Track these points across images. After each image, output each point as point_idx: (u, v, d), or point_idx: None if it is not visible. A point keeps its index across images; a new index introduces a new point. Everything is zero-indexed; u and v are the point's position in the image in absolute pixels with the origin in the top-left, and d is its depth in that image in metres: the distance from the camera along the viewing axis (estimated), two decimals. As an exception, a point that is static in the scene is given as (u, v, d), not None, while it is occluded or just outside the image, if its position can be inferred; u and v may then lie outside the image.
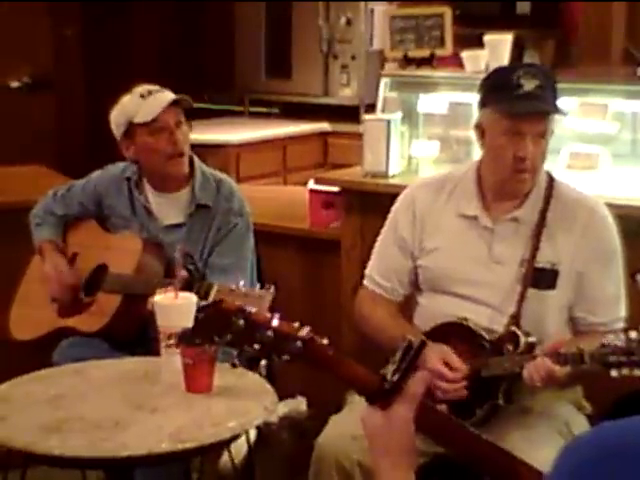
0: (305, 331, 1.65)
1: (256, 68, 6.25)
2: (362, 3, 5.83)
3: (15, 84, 5.66)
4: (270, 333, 1.64)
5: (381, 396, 1.61)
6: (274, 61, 6.21)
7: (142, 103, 3.20)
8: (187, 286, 2.87)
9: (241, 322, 1.66)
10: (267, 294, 2.76)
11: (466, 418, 2.60)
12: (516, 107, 2.63)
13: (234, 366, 1.75)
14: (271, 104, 6.36)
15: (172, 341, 2.61)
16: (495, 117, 2.68)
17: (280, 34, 6.13)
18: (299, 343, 1.64)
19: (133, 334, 3.18)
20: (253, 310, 1.68)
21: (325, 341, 1.67)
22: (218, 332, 1.68)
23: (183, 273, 2.89)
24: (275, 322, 1.66)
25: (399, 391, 1.60)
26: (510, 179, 2.71)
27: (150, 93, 3.22)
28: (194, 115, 3.40)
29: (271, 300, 2.76)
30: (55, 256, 3.36)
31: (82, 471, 2.98)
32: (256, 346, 1.65)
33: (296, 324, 1.67)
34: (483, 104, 2.74)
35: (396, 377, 1.60)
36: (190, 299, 2.70)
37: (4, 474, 2.54)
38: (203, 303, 1.78)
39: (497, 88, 2.69)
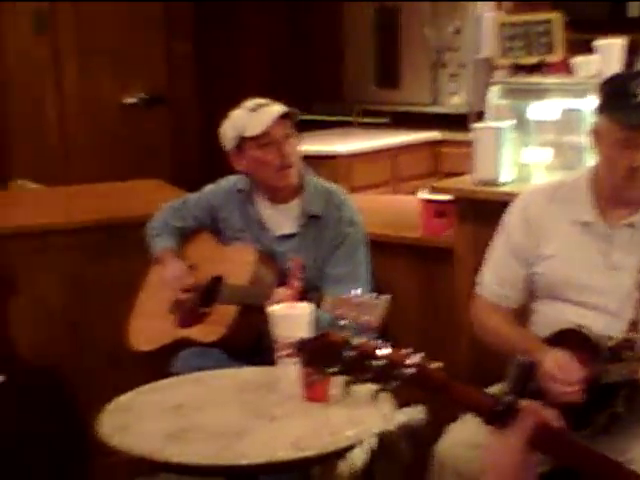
0: (416, 357, 1.66)
1: (365, 78, 6.27)
2: (470, 10, 5.80)
3: (131, 100, 5.79)
4: (380, 362, 1.66)
5: (496, 418, 1.61)
6: (383, 71, 6.22)
7: (251, 117, 3.25)
8: (300, 296, 2.90)
9: (349, 353, 1.67)
10: (381, 302, 2.77)
11: (585, 426, 2.58)
12: (630, 118, 2.59)
13: (347, 392, 1.77)
14: (381, 114, 6.37)
15: (289, 351, 2.64)
16: (609, 126, 2.64)
17: (389, 44, 6.15)
18: (410, 370, 1.64)
19: (250, 344, 3.22)
20: (360, 341, 1.69)
21: (437, 365, 1.68)
22: (328, 364, 1.70)
23: (297, 284, 2.92)
24: (384, 351, 1.67)
25: (513, 414, 1.60)
26: (624, 187, 2.68)
27: (259, 107, 3.27)
28: (304, 127, 3.43)
29: (385, 308, 2.77)
30: (175, 261, 3.43)
31: (204, 479, 3.03)
32: (367, 375, 1.67)
33: (407, 350, 1.68)
34: (600, 110, 2.71)
35: (509, 399, 1.61)
36: (306, 309, 2.73)
37: (131, 481, 2.61)
38: (309, 337, 1.80)
39: (613, 96, 2.65)
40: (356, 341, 1.69)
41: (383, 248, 3.63)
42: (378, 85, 6.25)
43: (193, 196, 3.56)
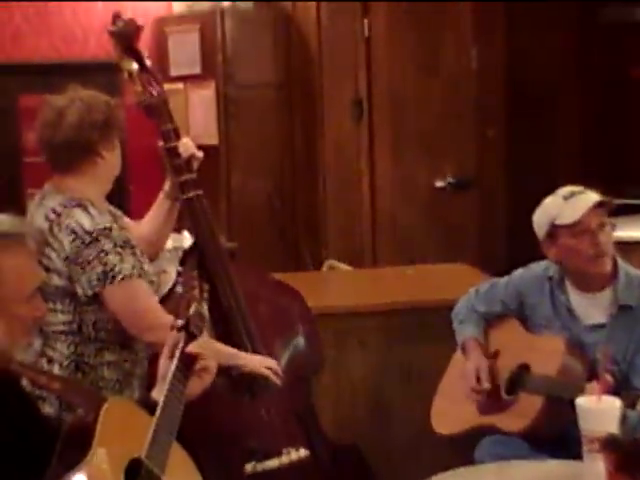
0: None
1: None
2: None
3: (440, 183, 5.88)
4: None
5: None
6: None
7: (565, 205, 3.21)
8: (611, 391, 2.81)
9: None
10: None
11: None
12: None
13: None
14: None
15: (595, 446, 2.55)
16: None
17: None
18: None
19: (554, 435, 3.15)
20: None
21: None
22: None
23: (607, 377, 2.83)
24: None
25: None
26: None
27: (573, 194, 3.23)
28: (617, 211, 3.36)
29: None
30: (477, 355, 3.42)
31: None
32: None
33: None
34: None
35: None
36: (614, 403, 2.64)
37: None
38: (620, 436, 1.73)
39: None
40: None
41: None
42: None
43: (501, 280, 3.55)
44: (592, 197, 3.21)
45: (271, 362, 3.10)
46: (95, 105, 2.99)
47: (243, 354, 3.07)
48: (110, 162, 3.03)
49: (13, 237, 2.20)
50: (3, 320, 2.15)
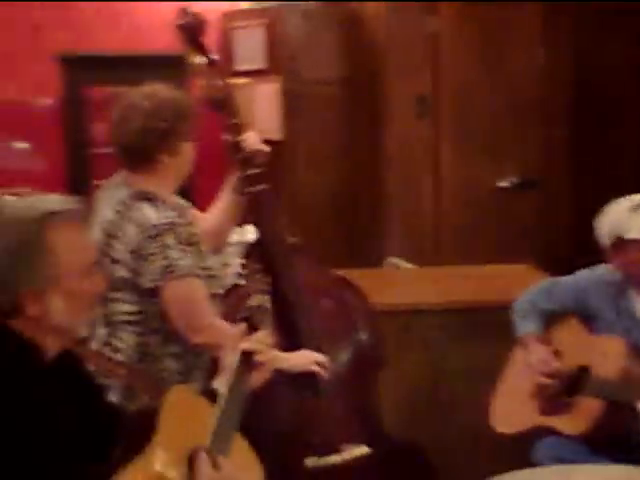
0: None
1: None
2: None
3: (503, 183, 5.84)
4: None
5: None
6: None
7: (632, 218, 3.15)
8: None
9: None
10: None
11: None
12: None
13: None
14: None
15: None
16: None
17: None
18: None
19: (615, 440, 3.12)
20: None
21: None
22: None
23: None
24: None
25: None
26: None
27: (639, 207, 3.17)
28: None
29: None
30: (540, 347, 3.39)
31: None
32: None
33: None
34: None
35: None
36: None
37: None
38: None
39: None
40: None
41: None
42: None
43: (565, 279, 3.51)
44: None
45: (319, 356, 3.08)
46: (160, 111, 2.96)
47: (289, 356, 3.04)
48: (174, 166, 3.02)
49: (63, 214, 2.16)
50: (61, 297, 2.12)
